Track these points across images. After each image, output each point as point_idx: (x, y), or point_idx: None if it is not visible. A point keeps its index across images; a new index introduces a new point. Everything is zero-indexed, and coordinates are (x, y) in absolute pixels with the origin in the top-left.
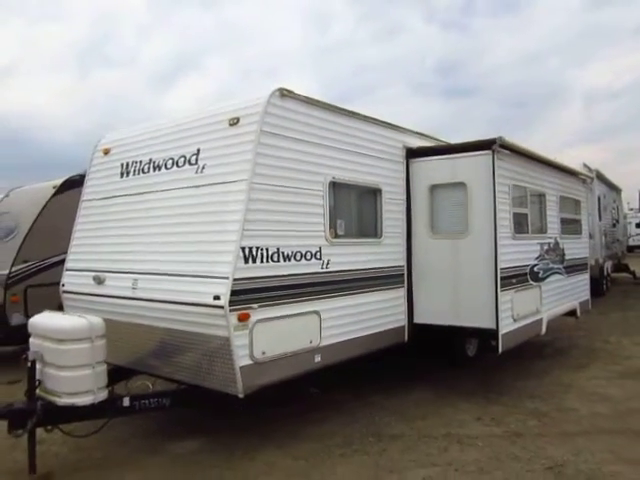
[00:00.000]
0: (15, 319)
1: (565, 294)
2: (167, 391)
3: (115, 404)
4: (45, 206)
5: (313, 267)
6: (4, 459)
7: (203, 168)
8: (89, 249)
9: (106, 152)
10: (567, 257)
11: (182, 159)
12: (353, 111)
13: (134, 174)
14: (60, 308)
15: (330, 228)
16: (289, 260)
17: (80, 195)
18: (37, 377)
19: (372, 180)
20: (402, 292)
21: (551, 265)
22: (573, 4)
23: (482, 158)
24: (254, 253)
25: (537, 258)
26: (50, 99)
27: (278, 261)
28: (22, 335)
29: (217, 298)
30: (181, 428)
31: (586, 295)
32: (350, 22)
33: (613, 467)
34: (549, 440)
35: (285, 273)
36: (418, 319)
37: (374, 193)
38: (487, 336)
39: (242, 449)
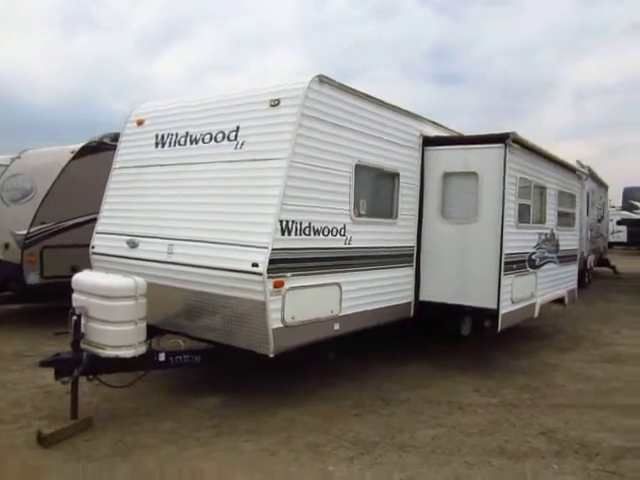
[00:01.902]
0: (31, 278)
1: (557, 282)
2: (198, 349)
3: (152, 358)
4: (63, 170)
5: (338, 242)
6: (42, 405)
7: (242, 144)
8: (121, 214)
9: (140, 123)
10: (561, 248)
11: (220, 135)
12: (380, 99)
13: (170, 145)
14: (74, 270)
15: (354, 207)
16: (318, 234)
17: (97, 162)
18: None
19: (391, 165)
20: (411, 271)
21: (546, 254)
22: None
23: (495, 151)
24: (289, 226)
25: (535, 247)
26: (32, 58)
27: (309, 235)
28: (37, 293)
29: (255, 265)
30: (203, 386)
31: (574, 285)
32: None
33: (598, 434)
34: (541, 410)
35: (314, 246)
36: (424, 296)
37: (392, 177)
38: (487, 315)
39: (262, 406)
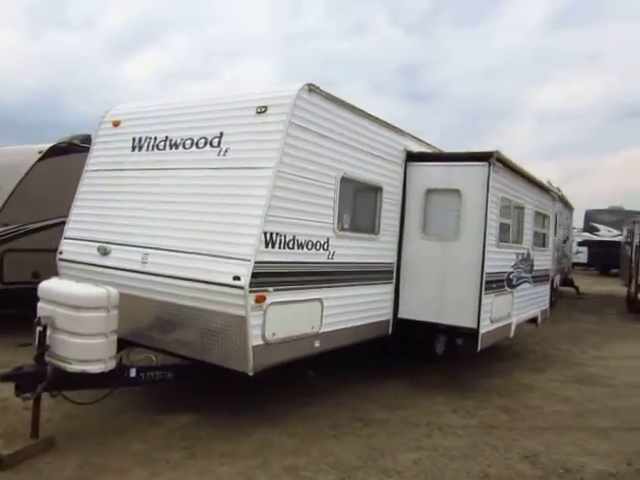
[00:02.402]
0: None
1: (531, 302)
2: (171, 365)
3: (122, 374)
4: (29, 170)
5: (320, 257)
6: None
7: (226, 151)
8: (92, 219)
9: (116, 124)
10: (535, 268)
11: (203, 140)
12: (366, 112)
13: (148, 149)
14: (35, 276)
15: (338, 221)
16: (301, 248)
17: (66, 164)
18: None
19: (375, 179)
20: (390, 288)
21: (523, 274)
22: (532, 24)
23: (479, 169)
24: (274, 238)
25: (513, 266)
26: None
27: (293, 248)
28: None
29: (237, 278)
30: (173, 403)
31: (546, 304)
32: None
33: (580, 458)
34: (520, 433)
35: (297, 260)
36: (403, 314)
37: (375, 192)
38: (466, 335)
39: (237, 426)
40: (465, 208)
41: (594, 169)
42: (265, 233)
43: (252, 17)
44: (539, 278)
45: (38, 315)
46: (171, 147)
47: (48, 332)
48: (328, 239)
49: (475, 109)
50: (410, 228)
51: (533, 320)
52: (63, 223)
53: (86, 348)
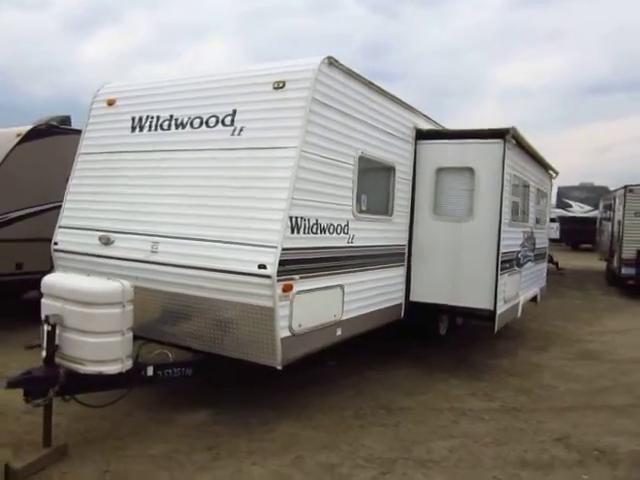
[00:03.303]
0: None
1: (533, 280)
2: (190, 360)
3: (139, 373)
4: (8, 154)
5: (341, 241)
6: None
7: (241, 130)
8: (90, 206)
9: (110, 103)
10: (536, 245)
11: (213, 119)
12: (382, 88)
13: (150, 129)
14: (18, 267)
15: (356, 203)
16: (324, 232)
17: (47, 147)
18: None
19: (389, 158)
20: (403, 270)
21: (527, 252)
22: (495, 3)
23: (493, 146)
24: (299, 223)
25: (521, 245)
26: None
27: (316, 233)
28: None
29: (263, 267)
30: (184, 399)
31: (544, 282)
32: None
33: (610, 439)
34: (544, 414)
35: (320, 245)
36: (415, 297)
37: (389, 171)
38: (481, 317)
39: (257, 421)
40: (479, 187)
41: (558, 146)
42: (291, 218)
43: None
44: (539, 256)
45: (44, 313)
46: (177, 127)
47: (57, 331)
48: (348, 222)
49: (440, 88)
50: (421, 208)
51: (533, 298)
52: (47, 210)
53: (101, 347)
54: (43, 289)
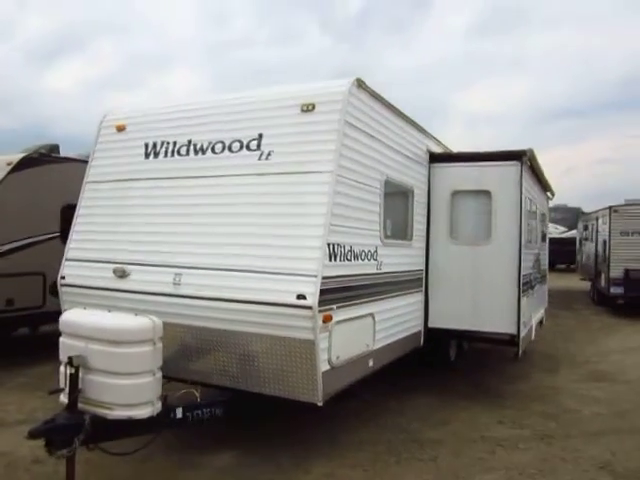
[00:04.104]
0: None
1: (540, 301)
2: (220, 400)
3: (168, 416)
4: None
5: (371, 268)
6: None
7: (269, 155)
8: (101, 237)
9: (120, 129)
10: (541, 266)
11: (237, 144)
12: (401, 111)
13: (166, 156)
14: (9, 303)
15: (383, 228)
16: (357, 259)
17: (39, 176)
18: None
19: (409, 182)
20: (421, 296)
21: (536, 274)
22: (457, 31)
23: (510, 168)
24: (335, 250)
25: (532, 267)
26: None
27: (350, 260)
28: None
29: (302, 297)
30: (204, 441)
31: (546, 302)
32: (248, 22)
33: None
34: (578, 441)
35: (354, 273)
36: (433, 323)
37: (408, 195)
38: (503, 341)
39: (289, 461)
40: (496, 209)
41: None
42: (329, 245)
43: (178, 25)
44: (544, 277)
45: (64, 354)
46: (196, 152)
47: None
48: (377, 248)
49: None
50: (436, 232)
51: (540, 321)
52: (39, 242)
53: (131, 390)
54: (62, 327)
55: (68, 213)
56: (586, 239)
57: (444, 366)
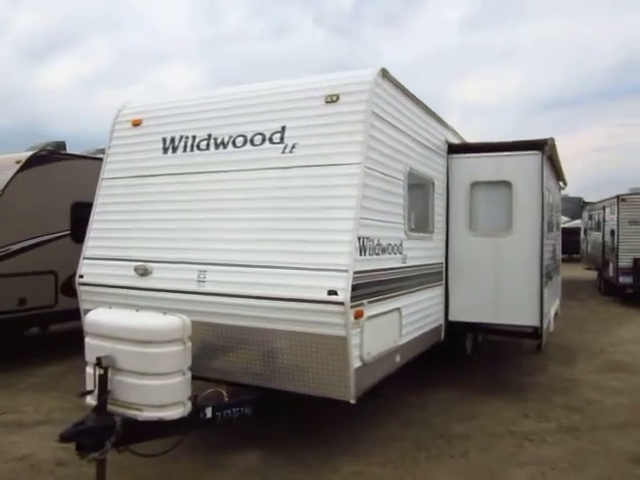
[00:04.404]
0: None
1: (556, 292)
2: (249, 399)
3: (198, 416)
4: (8, 183)
5: (396, 261)
6: None
7: (293, 148)
8: (119, 234)
9: (136, 123)
10: (556, 256)
11: (259, 137)
12: (422, 101)
13: (185, 150)
14: (21, 302)
15: (407, 221)
16: (384, 253)
17: (48, 174)
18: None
19: (430, 173)
20: (442, 289)
21: (553, 264)
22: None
23: (531, 158)
24: (365, 244)
25: (550, 257)
26: None
27: (378, 254)
28: None
29: (333, 293)
30: (229, 440)
31: (560, 293)
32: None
33: None
34: (605, 433)
35: (382, 267)
36: (454, 317)
37: (429, 187)
38: (525, 334)
39: (316, 460)
40: (517, 200)
41: None
42: (359, 238)
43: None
44: (558, 267)
45: (91, 355)
46: (217, 146)
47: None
48: (401, 242)
49: None
50: (456, 224)
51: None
52: (50, 241)
53: (162, 390)
54: (88, 328)
55: (78, 211)
56: (591, 229)
57: (461, 360)
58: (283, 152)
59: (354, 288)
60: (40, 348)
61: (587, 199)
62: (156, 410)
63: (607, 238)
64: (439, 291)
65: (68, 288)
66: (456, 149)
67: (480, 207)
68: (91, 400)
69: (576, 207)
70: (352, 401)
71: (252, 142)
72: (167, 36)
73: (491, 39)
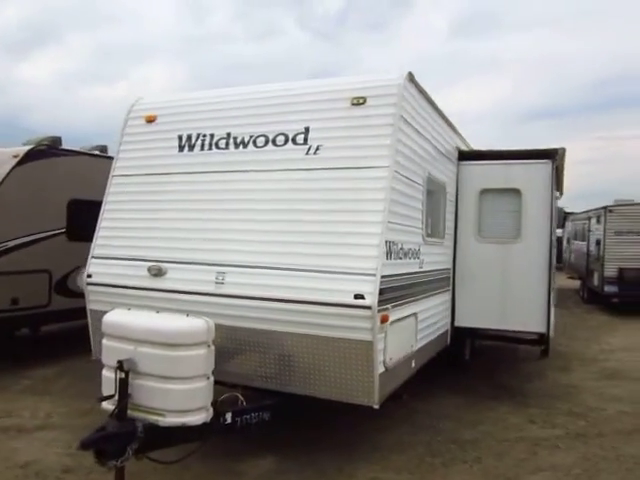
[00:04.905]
0: None
1: (554, 300)
2: (267, 404)
3: (218, 422)
4: (5, 178)
5: (414, 266)
6: None
7: (317, 149)
8: (131, 234)
9: (150, 120)
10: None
11: (282, 137)
12: (438, 107)
13: (203, 149)
14: (14, 302)
15: (425, 226)
16: (405, 258)
17: (46, 169)
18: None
19: (443, 179)
20: (449, 295)
21: (553, 272)
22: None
23: (542, 166)
24: (391, 248)
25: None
26: None
27: (401, 258)
28: None
29: (360, 297)
30: (241, 446)
31: (556, 300)
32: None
33: None
34: (613, 439)
35: (404, 272)
36: (460, 322)
37: (442, 193)
38: (530, 341)
39: (331, 465)
40: (527, 208)
41: None
42: (387, 242)
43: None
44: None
45: (110, 358)
46: (237, 146)
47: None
48: (419, 247)
49: None
50: (464, 230)
51: None
52: (45, 238)
53: (186, 395)
54: (106, 330)
55: (75, 208)
56: (575, 238)
57: (460, 365)
58: (307, 153)
59: (381, 292)
60: (30, 349)
61: (571, 210)
62: (179, 415)
63: (592, 248)
64: (447, 296)
65: (62, 288)
66: (466, 156)
67: (489, 214)
68: (107, 405)
69: (559, 217)
70: (376, 406)
71: (274, 142)
72: (153, 33)
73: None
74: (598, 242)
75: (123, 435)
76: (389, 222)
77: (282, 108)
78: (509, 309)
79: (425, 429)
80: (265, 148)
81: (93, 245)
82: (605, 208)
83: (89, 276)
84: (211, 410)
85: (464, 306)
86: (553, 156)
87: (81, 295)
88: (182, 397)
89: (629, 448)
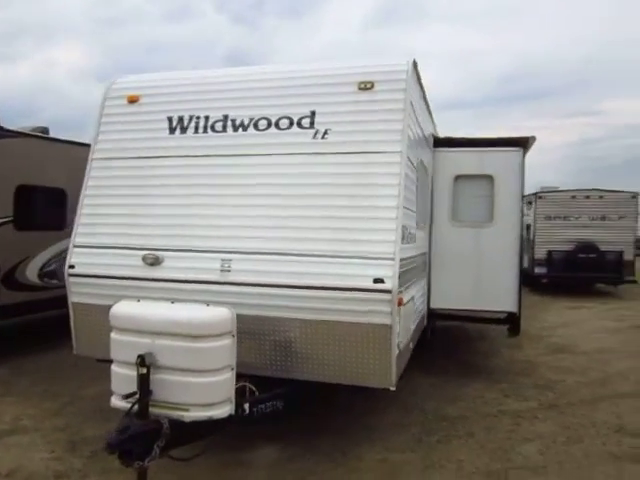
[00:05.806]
0: None
1: None
2: (281, 392)
3: (238, 412)
4: None
5: (412, 250)
6: None
7: (325, 133)
8: (118, 220)
9: (132, 100)
10: None
11: (286, 120)
12: (425, 94)
13: (197, 131)
14: None
15: (417, 210)
16: (410, 242)
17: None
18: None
19: (427, 165)
20: (426, 278)
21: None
22: (354, 21)
23: (513, 154)
24: (404, 233)
25: None
26: None
27: (409, 242)
28: None
29: (380, 281)
30: (241, 435)
31: None
32: None
33: None
34: (581, 408)
35: (410, 255)
36: (435, 304)
37: (427, 178)
38: (501, 320)
39: (334, 449)
40: (499, 193)
41: None
42: (402, 227)
43: None
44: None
45: (126, 353)
46: (235, 129)
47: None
48: (415, 231)
49: None
50: (439, 215)
51: None
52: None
53: (212, 387)
54: (115, 322)
55: (24, 195)
56: None
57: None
58: (314, 137)
59: (400, 276)
60: None
61: None
62: (205, 409)
63: (524, 232)
64: (426, 279)
65: (10, 281)
66: (441, 142)
67: (463, 199)
68: (117, 402)
69: None
70: (392, 388)
71: (277, 126)
72: (56, 11)
73: (396, 37)
74: (528, 227)
75: (149, 433)
76: (403, 207)
77: (285, 91)
78: (482, 290)
79: (413, 409)
80: (268, 131)
81: (74, 233)
82: (535, 194)
83: (71, 267)
84: (234, 402)
85: (439, 288)
86: (524, 144)
87: (32, 288)
88: (208, 390)
89: (599, 415)
